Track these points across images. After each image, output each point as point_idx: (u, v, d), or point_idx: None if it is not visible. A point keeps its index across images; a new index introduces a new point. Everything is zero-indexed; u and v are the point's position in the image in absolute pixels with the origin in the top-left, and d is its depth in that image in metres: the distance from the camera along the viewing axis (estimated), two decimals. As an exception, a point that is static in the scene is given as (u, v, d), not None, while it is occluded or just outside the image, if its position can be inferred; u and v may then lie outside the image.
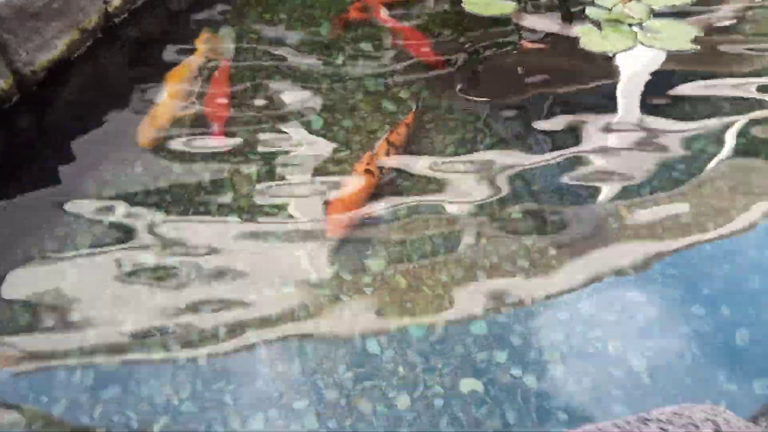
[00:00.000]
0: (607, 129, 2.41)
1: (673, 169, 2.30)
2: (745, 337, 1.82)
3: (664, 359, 1.79)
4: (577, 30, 2.52)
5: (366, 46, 2.78)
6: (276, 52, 2.67)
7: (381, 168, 2.21)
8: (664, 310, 1.90)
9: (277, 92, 2.52)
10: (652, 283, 1.96)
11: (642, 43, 2.50)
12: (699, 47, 2.54)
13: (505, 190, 2.23)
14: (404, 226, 2.12)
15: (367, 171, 2.17)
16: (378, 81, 2.60)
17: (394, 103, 2.54)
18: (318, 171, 2.27)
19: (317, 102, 2.50)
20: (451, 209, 2.17)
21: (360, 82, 2.59)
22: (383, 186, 2.21)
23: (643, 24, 2.48)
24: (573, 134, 2.40)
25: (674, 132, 2.43)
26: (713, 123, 2.45)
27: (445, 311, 1.92)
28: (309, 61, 2.62)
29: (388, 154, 2.23)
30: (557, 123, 2.42)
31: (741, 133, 2.40)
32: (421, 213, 2.16)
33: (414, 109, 2.44)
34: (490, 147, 2.37)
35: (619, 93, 2.50)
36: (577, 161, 2.31)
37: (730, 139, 2.39)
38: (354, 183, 2.15)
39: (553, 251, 2.05)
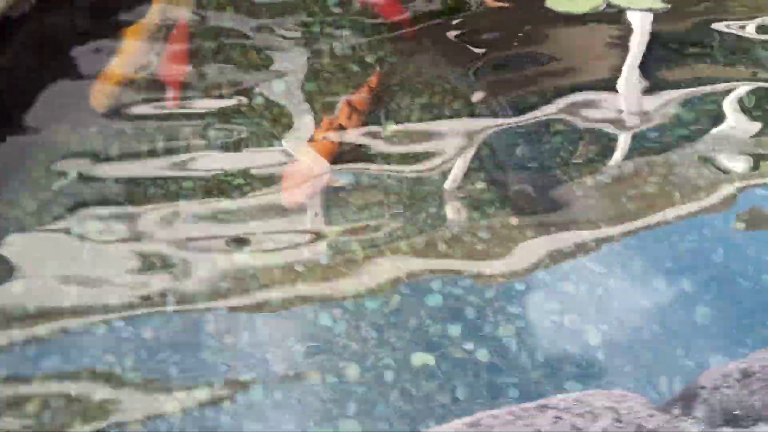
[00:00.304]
0: (577, 95, 2.33)
1: (645, 138, 2.24)
2: (706, 313, 1.79)
3: (622, 335, 1.76)
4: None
5: (335, 8, 2.68)
6: (239, 12, 2.58)
7: (341, 133, 2.14)
8: (624, 283, 1.86)
9: (238, 54, 2.44)
10: (614, 255, 1.92)
11: (609, 4, 2.38)
12: (669, 6, 2.44)
13: (471, 157, 2.17)
14: (364, 195, 2.06)
15: (326, 137, 2.10)
16: (344, 42, 2.51)
17: (360, 65, 2.46)
18: (277, 136, 2.20)
19: (280, 64, 2.41)
20: (414, 177, 2.11)
21: (326, 43, 2.50)
22: (344, 152, 2.14)
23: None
24: (541, 99, 2.32)
25: (648, 98, 2.36)
26: (689, 91, 2.38)
27: (401, 283, 1.87)
28: (273, 22, 2.53)
29: (349, 118, 2.16)
30: (523, 88, 2.34)
31: (713, 102, 2.33)
32: (383, 181, 2.10)
33: (378, 71, 2.35)
34: (457, 113, 2.31)
35: (588, 57, 2.42)
36: (544, 127, 2.25)
37: (706, 109, 2.33)
38: (312, 150, 2.08)
39: (514, 222, 2.00)
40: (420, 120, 2.29)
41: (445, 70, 2.42)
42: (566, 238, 1.95)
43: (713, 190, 2.09)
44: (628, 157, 2.17)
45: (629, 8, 2.38)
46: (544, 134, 2.22)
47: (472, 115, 2.29)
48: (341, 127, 2.14)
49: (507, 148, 2.18)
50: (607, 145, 2.21)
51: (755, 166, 2.14)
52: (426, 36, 2.53)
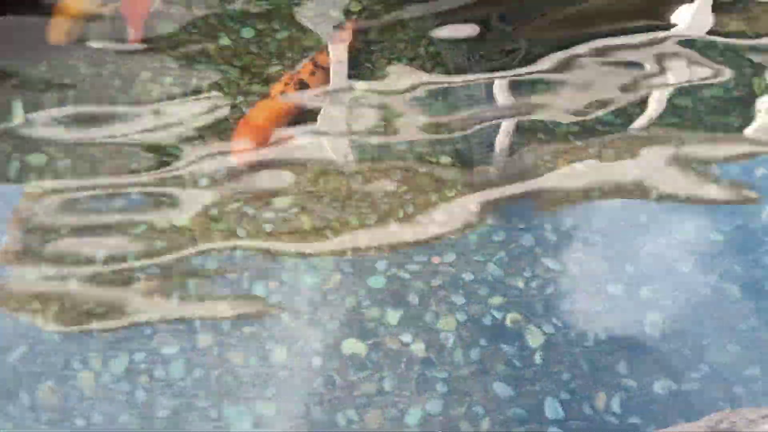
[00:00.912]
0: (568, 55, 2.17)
1: (625, 114, 2.08)
2: (658, 325, 1.70)
3: (564, 339, 1.68)
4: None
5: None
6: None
7: (303, 90, 2.02)
8: (578, 284, 1.76)
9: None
10: (572, 251, 1.82)
11: None
12: None
13: (440, 129, 2.04)
14: (321, 162, 1.96)
15: (284, 93, 1.98)
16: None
17: (341, 13, 2.31)
18: (240, 87, 2.08)
19: (251, 6, 2.26)
20: (377, 147, 2.00)
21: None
22: (305, 112, 2.03)
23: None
24: (525, 60, 2.16)
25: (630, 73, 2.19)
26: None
27: (345, 259, 1.79)
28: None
29: (312, 74, 2.03)
30: (508, 54, 2.19)
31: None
32: (338, 148, 1.99)
33: (354, 23, 2.20)
34: (435, 77, 2.17)
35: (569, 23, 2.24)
36: (520, 99, 2.10)
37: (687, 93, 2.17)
38: (267, 106, 1.96)
39: (473, 206, 1.89)
40: (396, 83, 2.16)
41: (430, 28, 2.26)
42: (524, 230, 1.85)
43: (693, 186, 1.97)
44: (607, 141, 2.04)
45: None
46: (520, 109, 2.08)
47: (451, 81, 2.15)
48: (303, 84, 2.01)
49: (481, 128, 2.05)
50: (588, 125, 2.07)
51: None
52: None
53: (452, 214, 1.89)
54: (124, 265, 1.74)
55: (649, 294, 1.73)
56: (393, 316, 1.71)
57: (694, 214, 1.87)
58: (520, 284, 1.77)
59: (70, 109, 1.99)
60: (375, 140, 2.01)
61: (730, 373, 1.61)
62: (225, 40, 2.18)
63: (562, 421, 1.57)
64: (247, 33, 2.22)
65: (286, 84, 2.00)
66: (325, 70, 2.07)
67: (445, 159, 1.98)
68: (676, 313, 1.70)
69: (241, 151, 1.90)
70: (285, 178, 1.91)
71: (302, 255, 1.79)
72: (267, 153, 1.94)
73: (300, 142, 1.96)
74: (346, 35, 2.17)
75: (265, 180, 1.90)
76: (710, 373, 1.60)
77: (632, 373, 1.63)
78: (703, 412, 1.49)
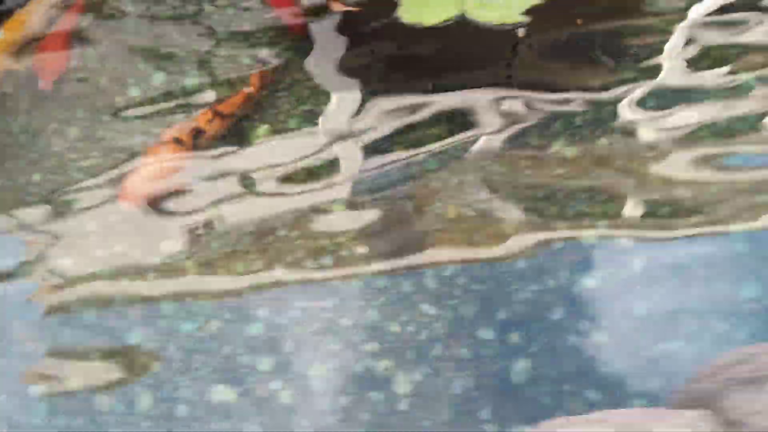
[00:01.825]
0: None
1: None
2: (523, 372, 1.71)
3: (431, 385, 1.69)
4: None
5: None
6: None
7: (198, 136, 2.06)
8: (451, 329, 1.78)
9: (125, 35, 2.35)
10: (449, 297, 1.84)
11: (465, 14, 2.18)
12: (530, 19, 2.20)
13: (338, 177, 2.08)
14: (213, 205, 2.00)
15: (177, 139, 2.02)
16: (240, 33, 2.41)
17: (252, 60, 2.36)
18: (144, 130, 2.13)
19: (165, 50, 2.32)
20: (273, 196, 2.04)
21: (219, 31, 2.39)
22: (202, 155, 2.07)
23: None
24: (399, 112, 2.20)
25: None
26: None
27: (226, 306, 1.83)
28: (162, 8, 2.43)
29: (210, 122, 2.07)
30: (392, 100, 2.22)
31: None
32: (236, 193, 2.03)
33: (262, 72, 2.25)
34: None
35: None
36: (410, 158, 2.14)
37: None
38: (160, 150, 2.01)
39: (360, 249, 1.92)
40: (298, 127, 2.20)
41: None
42: (405, 275, 1.87)
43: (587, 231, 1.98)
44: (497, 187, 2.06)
45: (483, 23, 2.18)
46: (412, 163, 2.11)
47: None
48: (199, 131, 2.06)
49: (372, 173, 2.08)
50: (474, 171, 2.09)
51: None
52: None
53: (338, 256, 1.92)
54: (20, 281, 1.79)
55: (518, 339, 1.75)
56: (266, 362, 1.73)
57: (567, 263, 1.88)
58: (396, 329, 1.79)
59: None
60: (270, 189, 2.05)
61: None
62: (134, 92, 2.25)
63: (421, 469, 1.58)
64: (158, 79, 2.28)
65: (181, 131, 2.04)
66: (224, 117, 2.12)
67: (338, 206, 2.02)
68: (542, 360, 1.71)
69: (129, 194, 1.94)
70: (173, 223, 1.95)
71: (182, 300, 1.83)
72: (155, 197, 1.98)
73: (190, 186, 2.00)
74: (255, 84, 2.22)
75: (154, 225, 1.95)
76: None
77: (494, 419, 1.64)
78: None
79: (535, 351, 1.72)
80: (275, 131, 2.16)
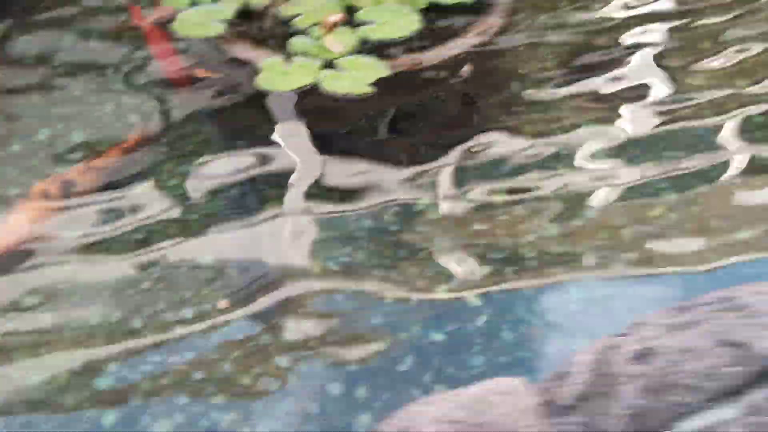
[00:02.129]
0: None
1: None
2: (366, 425, 1.71)
3: (267, 441, 1.69)
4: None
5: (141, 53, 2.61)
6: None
7: (69, 189, 2.08)
8: (302, 383, 1.78)
9: (9, 93, 2.39)
10: (301, 350, 1.84)
11: (320, 83, 2.23)
12: (375, 89, 2.23)
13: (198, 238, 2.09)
14: (87, 260, 2.01)
15: (45, 192, 2.04)
16: (127, 91, 2.46)
17: (140, 116, 2.40)
18: (22, 184, 2.15)
19: (49, 109, 2.36)
20: (128, 260, 2.04)
21: (108, 85, 2.44)
22: (69, 212, 2.09)
23: (338, 60, 2.26)
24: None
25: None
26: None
27: (76, 359, 1.81)
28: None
29: (83, 174, 2.10)
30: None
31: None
32: (101, 247, 2.04)
33: (139, 132, 2.29)
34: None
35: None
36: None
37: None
38: (24, 206, 2.02)
39: (223, 302, 1.94)
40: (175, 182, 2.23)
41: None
42: (266, 332, 1.88)
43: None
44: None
45: (336, 92, 2.20)
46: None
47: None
48: (69, 183, 2.08)
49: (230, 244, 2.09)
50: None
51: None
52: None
53: (200, 312, 1.92)
54: None
55: (365, 393, 1.76)
56: (110, 417, 1.72)
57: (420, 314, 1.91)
58: (247, 382, 1.79)
59: None
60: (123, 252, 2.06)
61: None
62: (15, 148, 2.27)
63: None
64: (42, 134, 2.32)
65: (50, 183, 2.06)
66: (98, 171, 2.14)
67: (204, 258, 2.04)
68: (386, 414, 1.71)
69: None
70: (36, 282, 1.96)
71: (35, 354, 1.82)
72: (17, 251, 1.99)
73: (62, 242, 2.01)
74: (131, 142, 2.25)
75: (16, 282, 1.95)
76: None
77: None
78: None
79: (379, 405, 1.73)
80: (154, 186, 2.20)
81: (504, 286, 1.91)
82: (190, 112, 2.39)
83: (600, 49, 2.57)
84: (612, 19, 2.69)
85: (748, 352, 0.75)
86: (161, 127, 2.35)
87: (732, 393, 0.78)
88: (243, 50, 2.24)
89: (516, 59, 2.50)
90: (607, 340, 0.92)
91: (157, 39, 2.52)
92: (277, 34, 2.32)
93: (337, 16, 2.23)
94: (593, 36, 2.62)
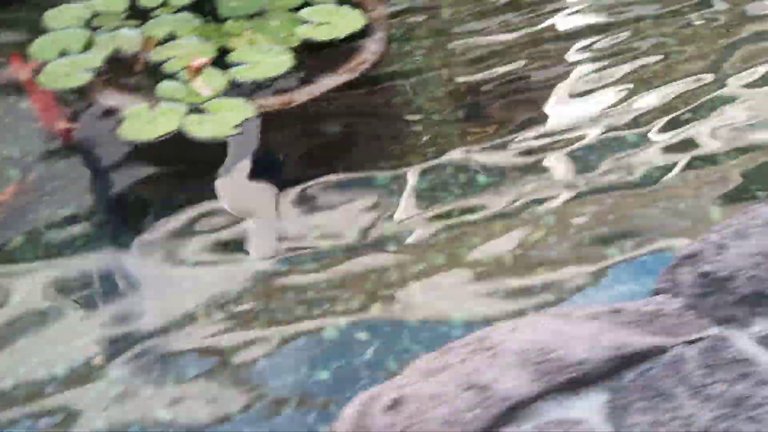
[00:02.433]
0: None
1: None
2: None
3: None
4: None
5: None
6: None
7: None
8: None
9: None
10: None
11: (182, 129, 2.22)
12: (240, 131, 2.25)
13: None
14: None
15: None
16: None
17: (15, 168, 2.37)
18: None
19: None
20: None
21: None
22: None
23: (205, 103, 2.27)
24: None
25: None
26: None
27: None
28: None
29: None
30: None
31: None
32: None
33: (18, 182, 2.27)
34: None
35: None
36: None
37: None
38: None
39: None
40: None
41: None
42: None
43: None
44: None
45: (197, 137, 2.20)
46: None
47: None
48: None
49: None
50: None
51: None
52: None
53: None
54: None
55: None
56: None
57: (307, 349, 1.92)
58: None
59: None
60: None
61: None
62: None
63: None
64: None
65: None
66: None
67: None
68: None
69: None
70: None
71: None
72: None
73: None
74: (9, 192, 2.23)
75: None
76: None
77: None
78: None
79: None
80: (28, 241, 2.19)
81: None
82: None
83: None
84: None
85: (489, 394, 0.77)
86: (42, 179, 2.33)
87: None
88: (110, 98, 2.23)
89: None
90: (372, 391, 0.94)
91: (36, 91, 2.51)
92: (146, 81, 2.36)
93: (202, 60, 2.24)
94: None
